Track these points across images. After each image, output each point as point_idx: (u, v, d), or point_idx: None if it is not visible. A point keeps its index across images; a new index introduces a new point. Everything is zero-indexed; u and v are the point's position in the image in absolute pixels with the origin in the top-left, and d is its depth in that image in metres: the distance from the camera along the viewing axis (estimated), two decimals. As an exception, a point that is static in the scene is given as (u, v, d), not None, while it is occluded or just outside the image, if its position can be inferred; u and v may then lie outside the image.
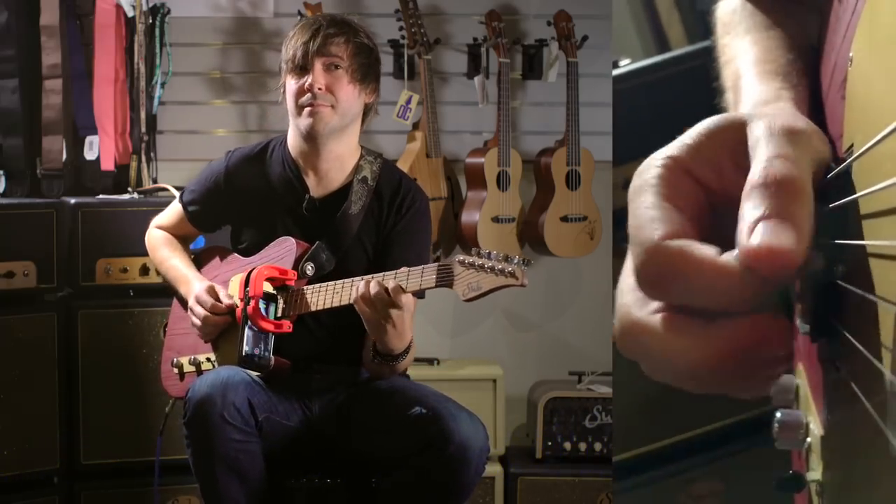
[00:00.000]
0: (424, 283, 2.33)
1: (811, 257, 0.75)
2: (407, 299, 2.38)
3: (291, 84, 2.63)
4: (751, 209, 0.74)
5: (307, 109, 2.60)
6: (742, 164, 0.79)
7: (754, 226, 0.73)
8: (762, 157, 0.77)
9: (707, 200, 0.82)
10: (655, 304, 0.81)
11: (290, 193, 2.71)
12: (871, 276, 0.70)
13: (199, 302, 2.63)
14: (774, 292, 0.78)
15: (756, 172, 0.76)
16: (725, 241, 0.77)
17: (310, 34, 2.61)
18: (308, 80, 2.59)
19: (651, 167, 0.82)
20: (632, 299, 0.82)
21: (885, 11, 0.72)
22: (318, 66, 2.59)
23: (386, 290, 2.35)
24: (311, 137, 2.64)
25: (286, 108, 2.68)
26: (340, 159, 2.70)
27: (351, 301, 2.43)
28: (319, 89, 2.59)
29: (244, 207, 2.76)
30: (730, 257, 0.75)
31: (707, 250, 0.76)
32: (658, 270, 0.78)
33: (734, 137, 0.81)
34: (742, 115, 0.83)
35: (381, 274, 2.41)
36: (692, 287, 0.76)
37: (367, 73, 2.66)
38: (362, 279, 2.43)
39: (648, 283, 0.79)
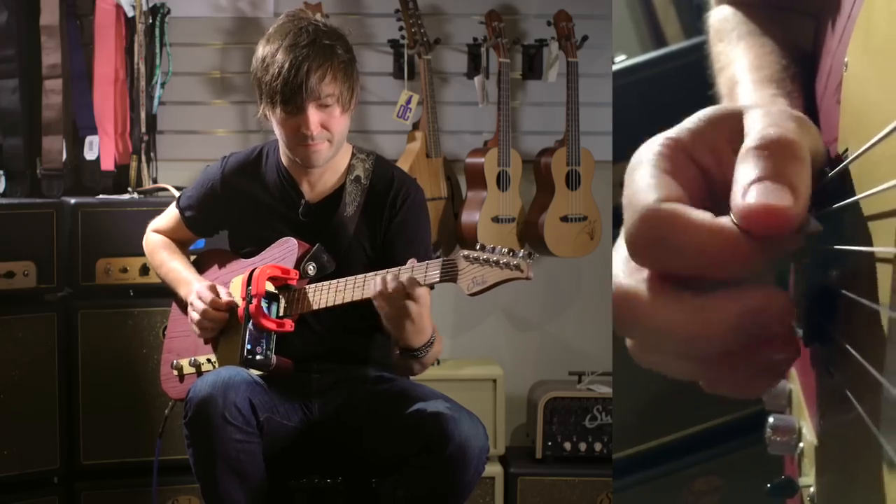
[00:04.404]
0: (429, 277, 2.33)
1: (808, 221, 0.73)
2: (422, 292, 2.38)
3: (280, 119, 2.57)
4: (745, 172, 0.72)
5: (304, 148, 2.58)
6: (738, 149, 0.77)
7: (749, 186, 0.71)
8: (757, 126, 0.75)
9: (706, 184, 0.80)
10: (647, 272, 0.77)
11: (285, 200, 2.71)
12: (866, 280, 0.70)
13: (199, 297, 2.62)
14: (773, 266, 0.75)
15: (751, 137, 0.74)
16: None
17: (300, 78, 2.50)
18: (302, 125, 2.53)
19: (651, 146, 0.80)
20: (623, 268, 0.79)
21: (881, 17, 0.72)
22: (311, 109, 2.53)
23: (402, 284, 2.34)
24: (306, 168, 2.64)
25: (270, 126, 2.67)
26: (332, 164, 2.69)
27: (353, 299, 2.43)
28: (316, 131, 2.55)
29: (241, 213, 2.76)
30: (726, 220, 0.72)
31: (702, 213, 0.73)
32: (650, 233, 0.74)
33: (733, 126, 0.80)
34: (740, 106, 0.82)
35: (386, 270, 2.41)
36: (685, 250, 0.73)
37: (353, 92, 2.60)
38: (364, 277, 2.43)
39: (640, 245, 0.76)
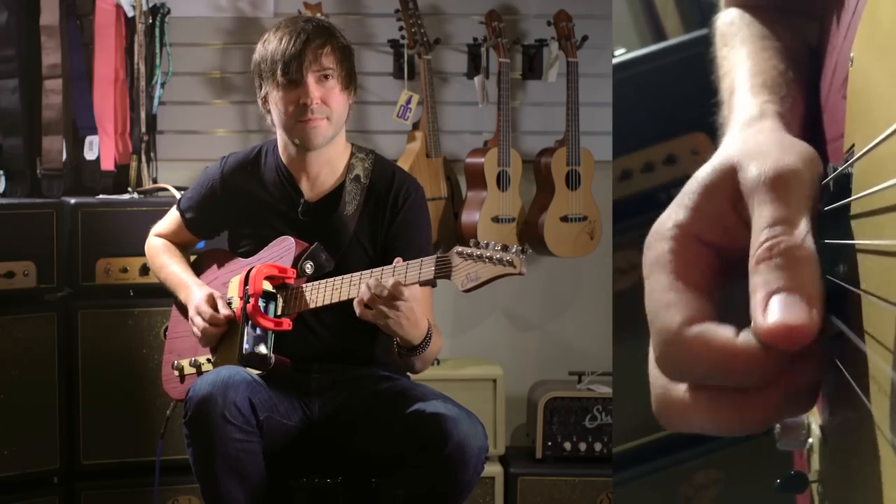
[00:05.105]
0: (423, 275, 2.33)
1: (827, 325, 0.75)
2: (412, 291, 2.38)
3: (280, 96, 2.60)
4: (760, 285, 0.74)
5: (303, 125, 2.60)
6: (743, 214, 0.79)
7: (766, 301, 0.73)
8: (761, 224, 0.77)
9: (719, 261, 0.82)
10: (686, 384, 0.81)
11: (285, 199, 2.71)
12: (872, 274, 0.70)
13: (198, 312, 2.63)
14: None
15: (758, 247, 0.76)
16: (741, 296, 0.77)
17: (299, 45, 2.57)
18: (302, 95, 2.57)
19: (661, 240, 0.82)
20: (659, 373, 0.83)
21: (886, 12, 0.72)
22: (311, 79, 2.57)
23: (384, 289, 2.34)
24: (305, 149, 2.65)
25: (269, 117, 2.68)
26: (331, 162, 2.70)
27: (350, 297, 2.43)
28: (316, 103, 2.58)
29: (241, 213, 2.76)
30: (748, 337, 0.75)
31: (724, 333, 0.76)
32: (678, 359, 0.79)
33: (730, 187, 0.81)
34: (731, 160, 0.82)
35: (379, 269, 2.41)
36: (711, 371, 0.77)
37: (352, 76, 2.66)
38: (360, 275, 2.43)
39: (668, 369, 0.80)
